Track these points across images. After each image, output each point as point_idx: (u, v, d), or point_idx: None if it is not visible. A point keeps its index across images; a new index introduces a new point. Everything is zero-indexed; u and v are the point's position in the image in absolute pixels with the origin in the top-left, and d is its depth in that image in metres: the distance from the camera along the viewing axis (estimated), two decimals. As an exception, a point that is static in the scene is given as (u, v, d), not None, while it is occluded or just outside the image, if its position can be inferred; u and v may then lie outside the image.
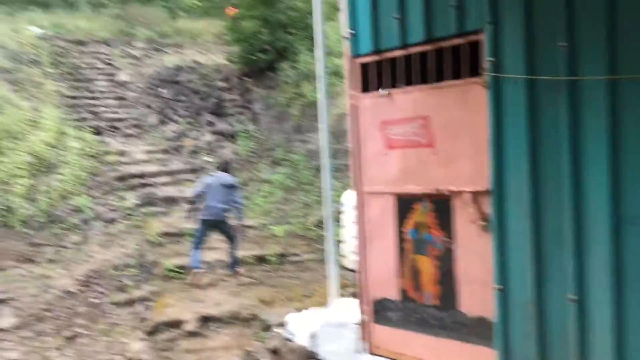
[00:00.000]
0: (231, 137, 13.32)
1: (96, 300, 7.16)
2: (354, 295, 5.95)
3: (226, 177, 8.30)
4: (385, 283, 4.88)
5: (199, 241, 8.06)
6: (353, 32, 5.10)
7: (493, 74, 4.05)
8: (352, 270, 6.93)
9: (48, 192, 10.09)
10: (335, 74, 11.21)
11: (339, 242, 6.88)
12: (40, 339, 6.23)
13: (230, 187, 8.16)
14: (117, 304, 7.04)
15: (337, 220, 6.87)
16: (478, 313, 4.28)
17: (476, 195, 4.24)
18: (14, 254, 8.70)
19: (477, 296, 4.29)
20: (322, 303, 6.14)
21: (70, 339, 6.20)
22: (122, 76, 15.09)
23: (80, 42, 16.09)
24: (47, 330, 6.37)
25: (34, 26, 15.86)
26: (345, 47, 5.23)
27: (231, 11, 14.52)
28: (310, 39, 13.07)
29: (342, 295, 6.06)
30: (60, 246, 8.99)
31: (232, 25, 14.61)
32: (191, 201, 8.17)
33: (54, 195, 10.08)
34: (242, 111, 14.00)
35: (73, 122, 12.36)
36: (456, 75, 4.37)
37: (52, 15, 17.40)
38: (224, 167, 8.66)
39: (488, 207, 4.16)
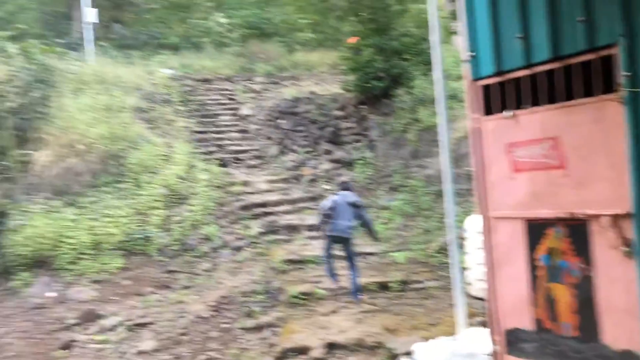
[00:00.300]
0: (349, 164, 13.50)
1: (227, 325, 7.47)
2: (483, 324, 5.75)
3: (351, 196, 8.50)
4: (518, 312, 4.66)
5: (328, 256, 8.34)
6: (473, 54, 5.01)
7: (630, 89, 3.81)
8: (479, 299, 6.73)
9: (180, 222, 10.75)
10: (451, 97, 11.05)
11: (463, 269, 6.71)
12: (178, 362, 6.61)
13: (355, 205, 8.33)
14: (246, 329, 7.29)
15: (460, 246, 6.71)
16: (624, 346, 3.97)
17: (616, 218, 3.97)
18: (151, 280, 9.35)
19: (622, 327, 3.98)
20: (449, 332, 5.99)
21: (205, 362, 6.51)
22: (244, 110, 15.88)
23: (206, 80, 17.20)
24: (184, 353, 6.73)
25: (165, 68, 17.17)
26: (465, 70, 5.15)
27: (353, 40, 14.81)
28: (425, 64, 13.04)
29: (470, 324, 5.87)
30: (192, 273, 9.53)
31: (347, 55, 14.91)
32: (324, 215, 8.34)
33: (185, 225, 10.72)
34: (358, 139, 14.17)
35: (201, 155, 13.15)
36: (588, 93, 4.16)
37: (180, 57, 18.77)
38: (346, 186, 8.86)
39: (631, 231, 3.88)
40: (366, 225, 8.56)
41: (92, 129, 11.91)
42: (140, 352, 6.84)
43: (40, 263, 9.47)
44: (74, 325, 7.83)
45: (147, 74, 16.11)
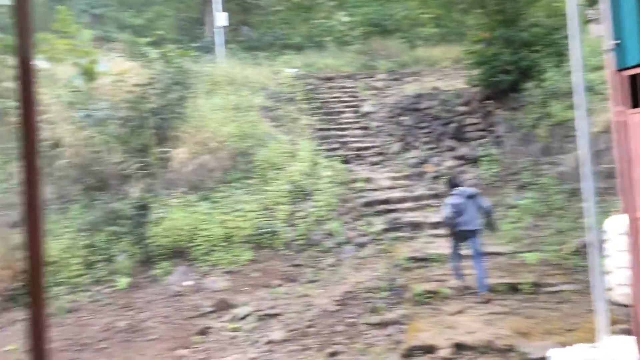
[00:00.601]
0: (473, 161, 13.12)
1: (352, 320, 7.56)
2: (627, 332, 5.37)
3: (467, 190, 8.43)
4: (670, 321, 4.30)
5: (455, 255, 8.31)
6: (618, 42, 4.69)
7: None
8: (622, 305, 6.28)
9: (305, 218, 11.02)
10: (587, 89, 10.39)
11: (604, 272, 6.29)
12: (305, 353, 6.78)
13: (474, 197, 8.23)
14: (371, 325, 7.33)
15: (600, 248, 6.30)
16: None
17: None
18: (278, 273, 9.69)
19: None
20: (588, 339, 5.64)
21: (332, 355, 6.62)
22: (366, 107, 15.95)
23: (328, 79, 17.50)
24: (311, 345, 6.91)
25: (290, 67, 17.69)
26: (608, 59, 4.83)
27: (484, 35, 14.35)
28: (558, 55, 12.37)
29: (612, 332, 5.50)
30: (317, 267, 9.75)
31: (472, 48, 14.49)
32: (448, 222, 8.27)
33: (310, 220, 10.98)
34: (484, 135, 13.72)
35: (324, 152, 13.39)
36: None
37: (303, 56, 19.24)
38: (456, 182, 8.72)
39: None
40: (487, 215, 8.40)
41: (223, 128, 12.55)
42: (270, 342, 7.11)
43: (178, 253, 10.14)
44: (209, 312, 8.31)
45: (273, 74, 16.70)
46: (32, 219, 2.75)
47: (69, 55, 12.92)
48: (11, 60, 12.98)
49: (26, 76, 2.77)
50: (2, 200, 10.65)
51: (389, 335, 7.00)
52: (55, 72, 13.36)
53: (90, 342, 7.71)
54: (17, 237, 9.12)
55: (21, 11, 2.68)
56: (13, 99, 11.99)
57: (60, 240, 10.04)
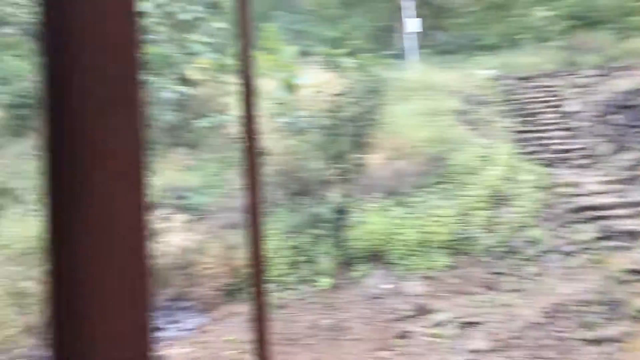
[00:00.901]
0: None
1: (561, 334, 7.08)
2: None
3: None
4: None
5: None
6: None
7: None
8: None
9: (504, 224, 10.57)
10: None
11: None
12: (511, 366, 6.51)
13: None
14: (585, 341, 6.79)
15: None
16: None
17: None
18: (477, 280, 9.41)
19: None
20: None
21: (542, 370, 6.28)
22: (569, 106, 14.87)
23: (524, 78, 16.64)
24: (517, 358, 6.60)
25: (484, 69, 17.15)
26: None
27: None
28: None
29: None
30: (519, 276, 9.28)
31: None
32: None
33: (509, 226, 10.50)
34: None
35: (522, 155, 12.73)
36: None
37: (499, 56, 18.52)
38: None
39: None
40: None
41: (417, 133, 12.58)
42: (472, 351, 6.94)
43: (375, 256, 10.35)
44: (408, 317, 8.36)
45: (466, 77, 16.31)
46: (254, 221, 3.01)
47: (274, 69, 13.93)
48: (226, 78, 14.40)
49: (248, 92, 3.05)
50: (219, 204, 11.80)
51: (605, 353, 6.43)
52: (262, 85, 14.50)
53: (298, 338, 8.20)
54: (233, 237, 10.08)
55: (244, 33, 2.96)
56: (227, 113, 13.29)
57: (269, 242, 10.84)
